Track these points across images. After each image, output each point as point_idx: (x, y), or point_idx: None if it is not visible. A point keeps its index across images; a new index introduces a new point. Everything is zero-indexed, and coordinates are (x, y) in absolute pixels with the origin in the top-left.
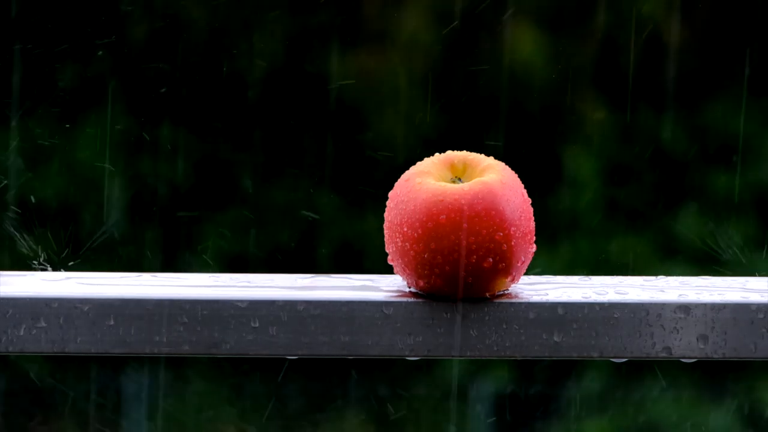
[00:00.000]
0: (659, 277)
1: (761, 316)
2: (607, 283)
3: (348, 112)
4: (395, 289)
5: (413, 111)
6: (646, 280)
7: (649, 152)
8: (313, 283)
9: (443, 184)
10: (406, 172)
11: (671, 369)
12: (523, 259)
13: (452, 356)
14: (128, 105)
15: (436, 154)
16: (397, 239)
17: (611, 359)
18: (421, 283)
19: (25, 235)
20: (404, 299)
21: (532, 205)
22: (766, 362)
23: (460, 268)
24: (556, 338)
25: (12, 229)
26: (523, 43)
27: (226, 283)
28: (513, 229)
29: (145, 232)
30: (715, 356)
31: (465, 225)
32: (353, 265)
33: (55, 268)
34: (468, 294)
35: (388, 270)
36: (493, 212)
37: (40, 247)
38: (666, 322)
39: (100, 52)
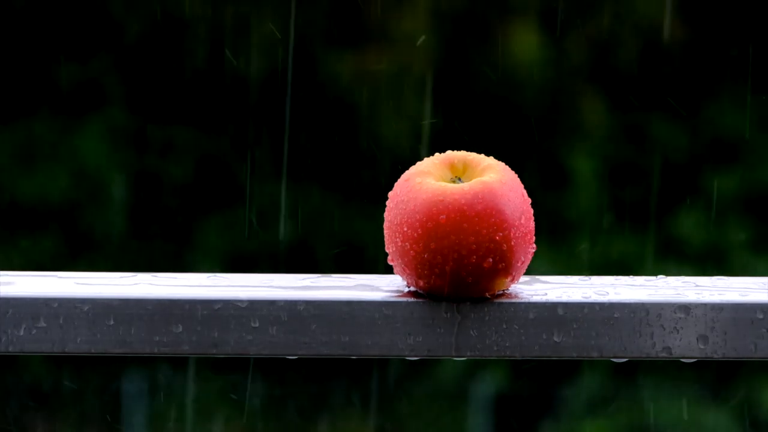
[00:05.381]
0: (659, 277)
1: (761, 316)
2: (607, 283)
3: (348, 112)
4: (395, 289)
5: (413, 111)
6: (646, 280)
7: (648, 152)
8: (313, 283)
9: (443, 184)
10: (406, 172)
11: (671, 369)
12: (523, 259)
13: (452, 356)
14: (128, 105)
15: (436, 154)
16: (397, 239)
17: (611, 359)
18: (421, 283)
19: (24, 235)
20: (404, 299)
21: (532, 205)
22: (766, 362)
23: (460, 268)
24: (556, 338)
25: (12, 229)
26: (523, 43)
27: (226, 283)
28: (513, 229)
29: (145, 231)
30: (715, 356)
31: (465, 225)
32: (353, 265)
33: (55, 268)
34: (468, 294)
35: (388, 270)
36: (493, 212)
37: (40, 246)
38: (666, 322)
39: (100, 52)
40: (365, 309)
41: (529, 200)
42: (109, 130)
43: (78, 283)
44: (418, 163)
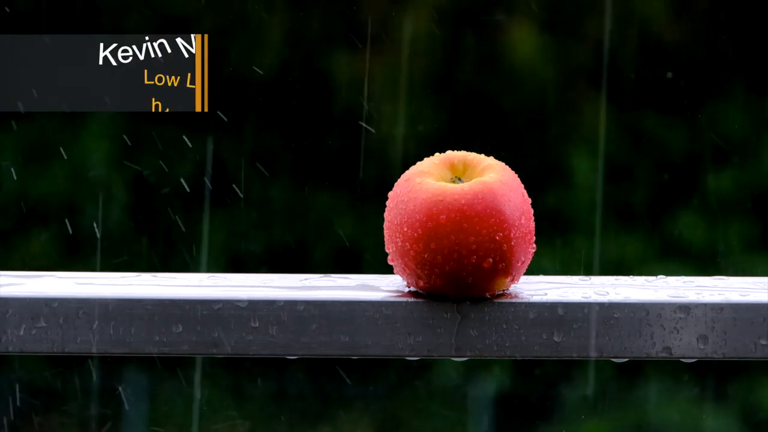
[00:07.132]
0: (659, 277)
1: (761, 316)
2: (607, 283)
3: (348, 112)
4: (395, 289)
5: (414, 111)
6: (646, 280)
7: (648, 152)
8: (313, 283)
9: (443, 184)
10: (406, 172)
11: (671, 369)
12: (523, 259)
13: (452, 356)
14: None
15: (436, 154)
16: (397, 239)
17: (611, 359)
18: (421, 283)
19: (24, 235)
20: (404, 299)
21: (532, 205)
22: (766, 362)
23: (460, 268)
24: (556, 338)
25: (12, 229)
26: (524, 43)
27: (226, 283)
28: (513, 229)
29: (145, 231)
30: (715, 356)
31: (465, 225)
32: (353, 265)
33: (55, 268)
34: (468, 294)
35: (388, 270)
36: (493, 212)
37: (40, 246)
38: (666, 322)
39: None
40: (365, 309)
41: (529, 200)
42: (109, 130)
43: (78, 283)
44: (418, 163)
